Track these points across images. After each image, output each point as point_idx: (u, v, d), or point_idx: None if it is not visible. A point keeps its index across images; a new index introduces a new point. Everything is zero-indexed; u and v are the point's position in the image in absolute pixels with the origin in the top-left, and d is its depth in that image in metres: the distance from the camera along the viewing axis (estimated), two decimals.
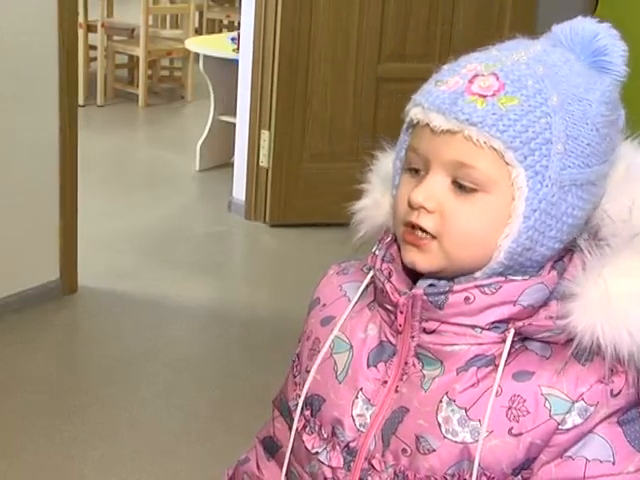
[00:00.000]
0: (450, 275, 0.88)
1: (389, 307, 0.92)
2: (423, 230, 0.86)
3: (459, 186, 0.85)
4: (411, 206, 0.87)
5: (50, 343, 3.17)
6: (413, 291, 0.88)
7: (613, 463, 0.84)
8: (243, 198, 4.38)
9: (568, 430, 0.84)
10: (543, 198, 0.84)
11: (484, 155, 0.83)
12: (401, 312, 0.90)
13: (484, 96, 0.83)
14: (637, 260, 0.84)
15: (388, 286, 0.91)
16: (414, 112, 0.87)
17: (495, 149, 0.82)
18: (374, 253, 0.95)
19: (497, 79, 0.83)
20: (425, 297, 0.87)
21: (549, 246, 0.86)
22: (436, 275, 0.89)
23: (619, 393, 0.84)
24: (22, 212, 3.24)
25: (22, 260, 3.28)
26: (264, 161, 4.25)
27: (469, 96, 0.83)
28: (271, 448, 1.07)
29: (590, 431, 0.84)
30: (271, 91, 4.13)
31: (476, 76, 0.84)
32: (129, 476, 2.46)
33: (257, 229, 4.32)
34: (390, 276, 0.92)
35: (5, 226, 3.19)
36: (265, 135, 4.21)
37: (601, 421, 0.84)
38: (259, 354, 3.11)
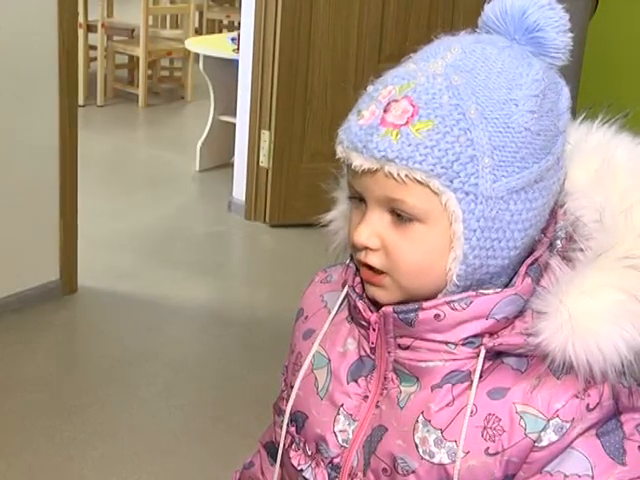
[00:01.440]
0: (414, 300, 0.86)
1: (363, 323, 0.91)
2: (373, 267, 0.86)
3: (398, 215, 0.83)
4: (356, 247, 0.86)
5: (50, 343, 3.17)
6: (383, 309, 0.87)
7: (592, 477, 0.82)
8: (243, 198, 4.38)
9: (544, 447, 0.83)
10: (480, 216, 0.81)
11: (410, 188, 0.80)
12: (374, 329, 0.89)
13: (398, 126, 0.80)
14: (601, 277, 0.82)
15: (360, 304, 0.90)
16: (339, 150, 0.85)
17: (419, 180, 0.80)
18: (348, 265, 0.94)
19: (410, 103, 0.80)
20: (395, 315, 0.86)
21: (503, 256, 0.84)
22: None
23: (595, 407, 0.83)
24: (22, 212, 3.24)
25: (22, 260, 3.28)
26: (264, 161, 4.25)
27: (383, 129, 0.80)
28: (274, 453, 1.06)
29: (568, 446, 0.83)
30: (271, 91, 4.13)
31: (390, 103, 0.81)
32: (129, 476, 2.46)
33: (257, 229, 4.32)
34: (363, 291, 0.91)
35: (5, 226, 3.19)
36: (265, 135, 4.21)
37: (578, 436, 0.83)
38: (259, 354, 3.11)
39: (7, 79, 3.09)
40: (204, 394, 2.88)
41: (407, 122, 0.80)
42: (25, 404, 2.75)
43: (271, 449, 1.07)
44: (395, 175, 0.80)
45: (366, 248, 0.85)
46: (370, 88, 0.86)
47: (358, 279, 0.92)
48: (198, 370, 3.03)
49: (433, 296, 0.85)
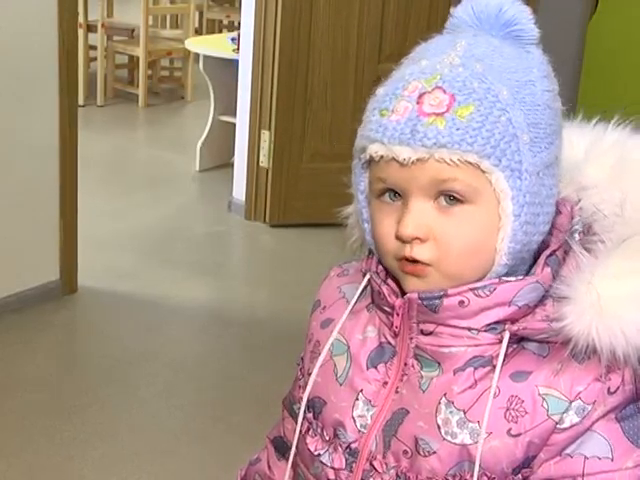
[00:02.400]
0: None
1: (386, 309, 0.92)
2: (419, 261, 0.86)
3: (444, 201, 0.84)
4: (402, 240, 0.85)
5: (50, 343, 3.17)
6: (408, 295, 0.88)
7: (612, 459, 0.84)
8: (243, 198, 4.38)
9: (566, 429, 0.84)
10: (527, 192, 0.84)
11: (460, 170, 0.82)
12: (397, 314, 0.90)
13: (440, 114, 0.81)
14: (625, 262, 0.84)
15: (385, 288, 0.91)
16: (374, 149, 0.84)
17: (470, 162, 0.82)
18: (369, 256, 0.95)
19: (444, 92, 0.82)
20: (420, 301, 0.87)
21: (541, 232, 0.87)
22: None
23: (616, 390, 0.84)
24: (22, 212, 3.24)
25: (22, 260, 3.28)
26: (264, 161, 4.25)
27: (425, 118, 0.81)
28: (281, 448, 1.07)
29: (588, 429, 0.84)
30: (271, 91, 4.14)
31: (422, 95, 0.82)
32: (129, 476, 2.46)
33: (257, 229, 4.32)
34: (387, 278, 0.92)
35: (5, 226, 3.19)
36: (265, 135, 4.21)
37: (599, 419, 0.84)
38: (259, 354, 3.11)
39: (7, 79, 3.09)
40: (204, 394, 2.88)
41: (448, 109, 0.81)
42: (25, 404, 2.75)
43: (279, 444, 1.08)
44: (447, 160, 0.81)
45: (414, 240, 0.85)
46: (382, 90, 0.86)
47: (381, 267, 0.92)
48: (198, 370, 3.03)
49: (475, 281, 0.86)
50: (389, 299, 0.90)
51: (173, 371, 3.00)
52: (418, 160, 0.82)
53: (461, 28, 0.90)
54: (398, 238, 0.85)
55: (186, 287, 3.64)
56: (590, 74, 5.17)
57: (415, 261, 0.85)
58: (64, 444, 2.58)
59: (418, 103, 0.82)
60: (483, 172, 0.82)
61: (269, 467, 1.09)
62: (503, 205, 0.83)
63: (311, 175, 4.25)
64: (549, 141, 0.86)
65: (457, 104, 0.81)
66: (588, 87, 5.09)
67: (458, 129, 0.81)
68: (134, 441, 2.61)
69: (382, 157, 0.84)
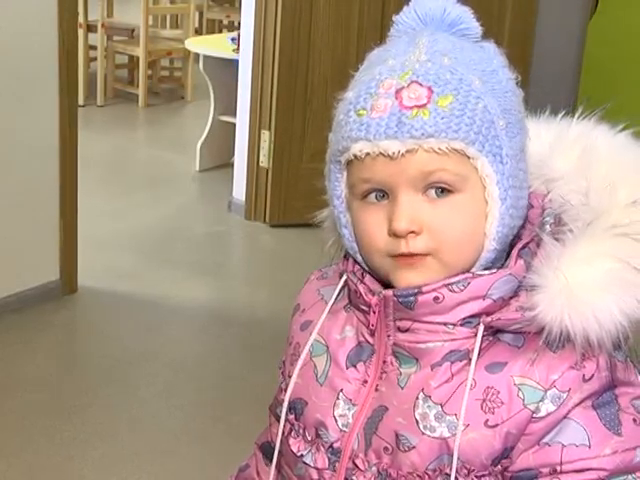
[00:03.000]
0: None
1: (363, 307, 0.92)
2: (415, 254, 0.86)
3: (434, 193, 0.84)
4: (397, 235, 0.85)
5: (50, 343, 3.17)
6: (383, 292, 0.88)
7: (589, 447, 0.84)
8: (243, 198, 4.38)
9: (542, 418, 0.85)
10: (509, 175, 0.85)
11: (448, 159, 0.83)
12: (374, 312, 0.90)
13: (423, 105, 0.82)
14: (592, 246, 0.85)
15: (361, 287, 0.91)
16: (358, 147, 0.84)
17: (457, 150, 0.83)
18: (345, 258, 0.95)
19: (420, 85, 0.83)
20: (395, 298, 0.87)
21: (521, 216, 0.89)
22: None
23: (591, 377, 0.85)
24: (22, 212, 3.24)
25: (22, 260, 3.28)
26: (264, 161, 4.25)
27: (409, 111, 0.82)
28: (269, 454, 1.06)
29: (565, 417, 0.85)
30: (271, 91, 4.13)
31: (399, 91, 0.83)
32: (129, 476, 2.46)
33: (257, 229, 4.32)
34: (363, 277, 0.92)
35: (5, 226, 3.19)
36: (265, 135, 4.21)
37: (575, 406, 0.84)
38: (259, 354, 3.11)
39: (7, 79, 3.09)
40: (204, 394, 2.88)
41: (428, 100, 0.82)
42: (25, 404, 2.75)
43: (267, 450, 1.08)
44: (436, 149, 0.82)
45: (409, 234, 0.85)
46: (351, 93, 0.87)
47: (358, 267, 0.93)
48: (198, 370, 3.03)
49: (467, 270, 0.87)
50: (365, 297, 0.91)
51: (173, 371, 3.00)
52: (407, 152, 0.83)
53: (404, 31, 0.90)
54: (392, 234, 0.86)
55: (186, 287, 3.64)
56: (590, 74, 5.17)
57: (412, 255, 0.86)
58: (64, 444, 2.58)
59: (397, 98, 0.83)
60: (469, 159, 0.84)
61: (257, 473, 1.10)
62: (490, 190, 0.85)
63: (311, 175, 4.20)
64: (520, 126, 0.88)
65: (436, 95, 0.82)
66: (588, 87, 5.09)
67: (443, 118, 0.82)
68: (134, 441, 2.61)
69: (368, 155, 0.84)
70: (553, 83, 4.70)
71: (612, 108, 0.99)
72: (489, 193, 0.85)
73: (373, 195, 0.87)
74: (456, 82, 0.83)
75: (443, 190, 0.84)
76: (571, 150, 0.93)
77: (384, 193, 0.86)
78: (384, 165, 0.84)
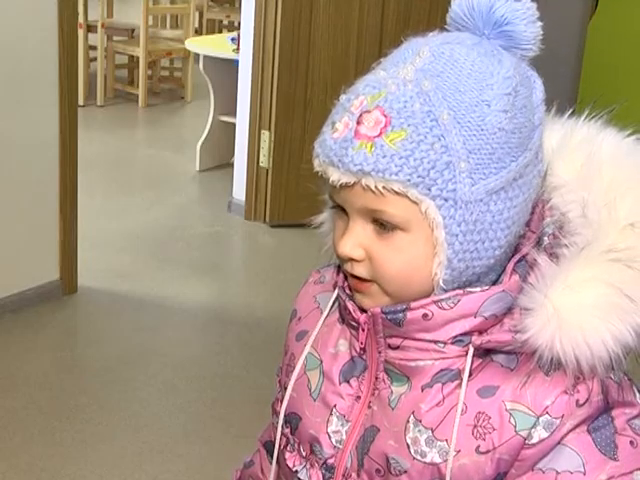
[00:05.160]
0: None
1: (353, 324, 0.91)
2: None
3: (380, 225, 0.83)
4: (340, 258, 0.86)
5: (50, 343, 3.17)
6: (371, 310, 0.87)
7: (584, 473, 0.82)
8: (243, 198, 4.38)
9: (535, 444, 0.83)
10: (461, 221, 0.81)
11: (388, 199, 0.80)
12: (363, 330, 0.89)
13: (372, 138, 0.79)
14: (586, 271, 0.82)
15: (349, 304, 0.90)
16: (316, 164, 0.85)
17: (396, 191, 0.80)
18: (338, 268, 0.94)
19: (383, 113, 0.80)
20: (383, 315, 0.86)
21: (489, 256, 0.84)
22: None
23: (585, 402, 0.83)
24: (22, 212, 3.24)
25: (22, 260, 3.28)
26: (264, 161, 4.25)
27: (358, 142, 0.80)
28: (272, 452, 1.06)
29: (559, 443, 0.83)
30: (271, 91, 4.13)
31: (362, 114, 0.81)
32: (129, 476, 2.46)
33: (257, 229, 4.32)
34: (352, 293, 0.91)
35: (5, 226, 3.19)
36: (265, 135, 4.21)
37: (569, 432, 0.82)
38: (259, 354, 3.11)
39: (7, 79, 3.09)
40: (204, 394, 2.88)
41: (380, 133, 0.79)
42: (25, 404, 2.75)
43: (270, 448, 1.07)
44: (373, 187, 0.80)
45: (351, 260, 0.85)
46: (343, 97, 0.85)
47: (347, 282, 0.92)
48: (198, 370, 3.03)
49: (421, 298, 0.85)
50: (354, 314, 0.90)
51: (173, 371, 3.00)
52: (346, 184, 0.82)
53: (459, 23, 0.88)
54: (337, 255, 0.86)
55: (186, 287, 3.64)
56: (590, 74, 5.17)
57: (357, 277, 0.86)
58: (64, 444, 2.58)
59: (358, 123, 0.81)
60: (413, 201, 0.80)
61: (262, 471, 1.10)
62: (435, 234, 0.81)
63: (311, 175, 4.21)
64: (499, 165, 0.82)
65: (390, 128, 0.79)
66: (588, 87, 5.09)
67: (384, 156, 0.79)
68: (134, 441, 2.61)
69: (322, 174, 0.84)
70: (553, 83, 4.70)
71: (614, 109, 0.97)
72: (435, 237, 0.81)
73: (339, 209, 0.87)
74: (421, 115, 0.79)
75: (387, 226, 0.83)
76: (574, 155, 0.89)
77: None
78: (337, 189, 0.84)
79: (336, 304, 0.96)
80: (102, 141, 5.57)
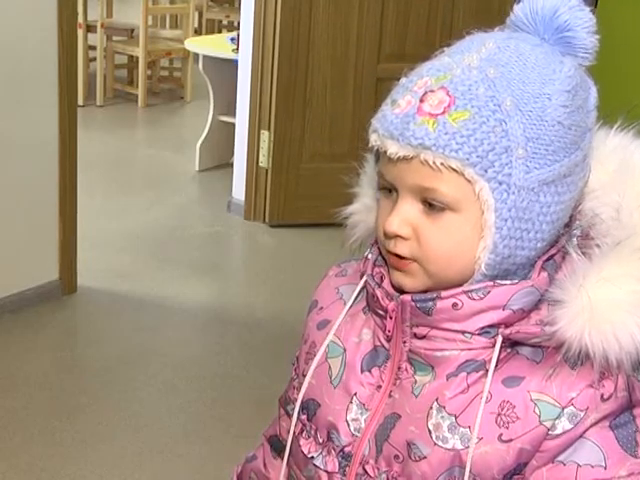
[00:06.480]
0: (439, 289, 0.87)
1: (380, 312, 0.92)
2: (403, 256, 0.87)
3: (429, 205, 0.84)
4: (386, 235, 0.87)
5: (49, 343, 3.17)
6: (401, 297, 0.88)
7: (605, 468, 0.83)
8: (243, 198, 4.38)
9: (558, 436, 0.84)
10: (512, 206, 0.83)
11: (444, 176, 0.82)
12: (390, 317, 0.90)
13: (435, 115, 0.81)
14: (619, 267, 0.83)
15: (379, 292, 0.91)
16: (373, 138, 0.86)
17: (454, 169, 0.81)
18: (366, 257, 0.95)
19: (447, 93, 0.81)
20: (413, 303, 0.87)
21: (531, 247, 0.86)
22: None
23: (610, 397, 0.84)
24: (22, 212, 3.24)
25: (22, 260, 3.28)
26: (264, 161, 4.25)
27: (420, 118, 0.81)
28: (277, 447, 1.07)
29: (581, 436, 0.84)
30: (271, 91, 4.13)
31: (426, 93, 0.82)
32: (129, 476, 2.47)
33: (257, 229, 4.32)
34: (382, 280, 0.92)
35: (5, 226, 3.19)
36: (265, 135, 4.21)
37: (592, 426, 0.83)
38: (258, 354, 3.11)
39: (7, 79, 3.09)
40: (204, 394, 2.88)
41: (444, 111, 0.81)
42: (25, 404, 2.75)
43: (275, 443, 1.08)
44: (431, 163, 0.81)
45: (397, 237, 0.86)
46: (403, 80, 0.87)
47: (377, 269, 0.93)
48: (198, 370, 3.03)
49: (459, 284, 0.86)
50: (382, 302, 0.90)
51: (173, 371, 3.00)
52: (404, 158, 0.83)
53: (519, 27, 0.89)
54: (383, 232, 0.87)
55: (186, 287, 3.64)
56: (590, 74, 5.16)
57: (399, 256, 0.86)
58: (64, 444, 2.58)
59: (421, 101, 0.82)
60: (468, 181, 0.82)
61: (265, 465, 1.09)
62: (486, 216, 0.83)
63: (311, 175, 4.25)
64: (554, 158, 0.84)
65: (454, 108, 0.81)
66: None
67: (447, 133, 0.81)
68: (134, 441, 2.61)
69: (379, 148, 0.85)
70: None
71: (617, 110, 0.96)
72: (485, 219, 0.83)
73: (386, 190, 0.88)
74: (485, 99, 0.81)
75: (437, 206, 0.84)
76: (607, 163, 0.90)
77: (393, 192, 0.87)
78: (390, 165, 0.85)
79: (361, 294, 0.97)
80: (102, 141, 5.57)
